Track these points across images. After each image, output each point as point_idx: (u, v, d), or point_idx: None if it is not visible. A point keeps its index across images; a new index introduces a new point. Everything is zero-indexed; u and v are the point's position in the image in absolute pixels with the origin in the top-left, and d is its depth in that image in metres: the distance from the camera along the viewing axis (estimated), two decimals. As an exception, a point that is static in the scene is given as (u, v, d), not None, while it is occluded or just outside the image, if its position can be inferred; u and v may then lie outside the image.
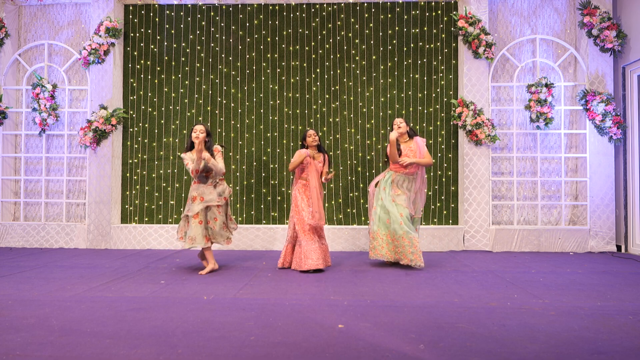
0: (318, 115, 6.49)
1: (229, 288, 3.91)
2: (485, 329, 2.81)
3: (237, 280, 4.23)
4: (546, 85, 6.11)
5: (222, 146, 4.72)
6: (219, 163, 4.51)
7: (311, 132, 4.88)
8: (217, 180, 4.59)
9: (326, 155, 4.97)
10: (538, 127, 6.23)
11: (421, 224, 5.90)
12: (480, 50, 6.13)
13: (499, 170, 6.49)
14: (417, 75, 6.45)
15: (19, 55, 6.71)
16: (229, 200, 4.70)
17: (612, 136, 6.06)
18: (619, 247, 6.12)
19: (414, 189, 4.94)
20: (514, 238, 6.14)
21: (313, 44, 6.54)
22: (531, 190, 6.45)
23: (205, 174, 4.55)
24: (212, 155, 4.54)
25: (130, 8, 6.60)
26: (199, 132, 4.46)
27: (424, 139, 5.03)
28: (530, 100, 6.17)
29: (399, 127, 4.92)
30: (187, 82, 6.56)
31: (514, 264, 5.17)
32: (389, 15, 6.50)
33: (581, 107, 6.23)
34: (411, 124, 6.41)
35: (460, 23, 6.19)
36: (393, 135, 4.77)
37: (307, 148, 4.89)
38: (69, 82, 6.66)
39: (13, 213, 6.78)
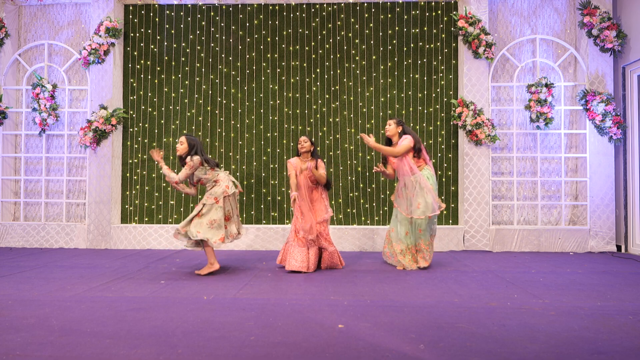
0: (318, 115, 6.49)
1: (229, 288, 3.91)
2: (485, 329, 2.81)
3: (237, 280, 4.23)
4: (546, 85, 6.11)
5: (192, 158, 4.52)
6: (179, 173, 4.57)
7: (301, 138, 4.83)
8: (213, 183, 4.60)
9: (319, 160, 4.84)
10: (538, 127, 6.23)
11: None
12: (480, 50, 6.13)
13: (499, 170, 6.49)
14: (417, 75, 6.45)
15: (19, 55, 6.71)
16: (220, 200, 4.49)
17: (612, 136, 6.06)
18: (619, 247, 6.12)
19: (410, 189, 4.86)
20: (514, 238, 6.14)
21: (313, 44, 6.54)
22: (531, 190, 6.45)
23: (199, 182, 4.67)
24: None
25: (130, 8, 6.60)
26: (178, 144, 4.57)
27: (409, 137, 4.82)
28: (530, 100, 6.17)
29: (387, 131, 4.91)
30: (187, 82, 6.56)
31: (514, 264, 5.17)
32: (389, 15, 6.50)
33: (581, 107, 6.23)
34: (411, 124, 6.41)
35: (460, 23, 6.19)
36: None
37: (299, 155, 4.88)
38: (69, 82, 6.66)
39: (13, 213, 6.78)
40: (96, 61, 6.36)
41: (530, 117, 6.21)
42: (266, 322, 2.93)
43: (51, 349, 2.46)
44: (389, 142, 4.99)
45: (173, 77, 6.57)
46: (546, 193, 6.48)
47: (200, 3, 6.55)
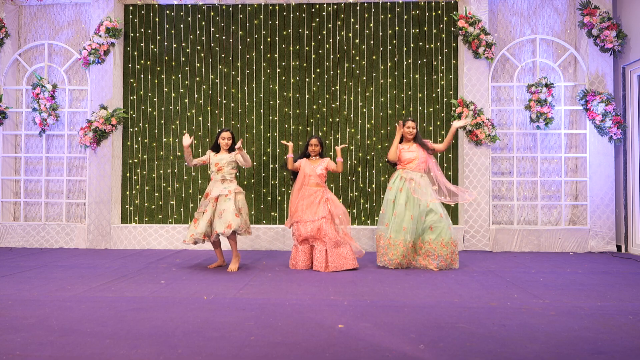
0: (318, 115, 6.49)
1: (229, 288, 3.91)
2: (485, 329, 2.81)
3: (237, 280, 4.23)
4: (546, 85, 6.11)
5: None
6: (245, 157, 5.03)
7: (313, 141, 5.05)
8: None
9: (329, 160, 5.12)
10: (538, 127, 6.23)
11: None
12: (480, 50, 6.13)
13: (499, 170, 6.49)
14: (417, 75, 6.45)
15: (19, 55, 6.70)
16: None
17: (612, 136, 6.06)
18: (619, 247, 6.11)
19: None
20: (514, 238, 6.14)
21: (313, 44, 6.54)
22: (531, 190, 6.45)
23: (219, 169, 4.98)
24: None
25: (130, 8, 6.60)
26: (228, 139, 4.94)
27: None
28: (530, 100, 6.17)
29: (412, 134, 5.00)
30: (187, 82, 6.56)
31: (514, 264, 5.17)
32: (389, 15, 6.50)
33: (581, 107, 6.23)
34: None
35: (460, 23, 6.19)
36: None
37: (308, 157, 5.07)
38: (69, 82, 6.66)
39: (13, 213, 6.78)
40: (96, 61, 6.36)
41: (530, 117, 6.21)
42: (266, 322, 2.93)
43: (51, 349, 2.46)
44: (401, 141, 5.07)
45: (173, 77, 6.57)
46: (546, 193, 6.48)
47: (200, 3, 6.55)
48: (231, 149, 4.97)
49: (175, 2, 6.56)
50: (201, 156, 5.22)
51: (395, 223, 4.79)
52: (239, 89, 6.56)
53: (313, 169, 4.94)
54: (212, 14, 6.59)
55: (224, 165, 4.86)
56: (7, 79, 6.64)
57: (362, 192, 6.41)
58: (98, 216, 6.31)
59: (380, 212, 5.04)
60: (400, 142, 5.05)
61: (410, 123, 5.00)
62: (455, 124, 5.01)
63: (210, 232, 4.68)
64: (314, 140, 5.02)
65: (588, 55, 6.20)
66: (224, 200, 4.68)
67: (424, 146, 5.00)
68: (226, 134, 4.94)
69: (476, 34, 6.11)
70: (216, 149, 5.00)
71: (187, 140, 4.85)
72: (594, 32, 6.10)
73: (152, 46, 6.59)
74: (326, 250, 4.71)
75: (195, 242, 4.68)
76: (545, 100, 6.11)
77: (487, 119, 6.09)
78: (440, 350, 2.45)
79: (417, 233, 4.78)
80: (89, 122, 6.26)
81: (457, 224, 6.33)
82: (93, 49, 6.31)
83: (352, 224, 6.37)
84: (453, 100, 6.28)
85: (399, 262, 4.76)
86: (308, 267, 4.84)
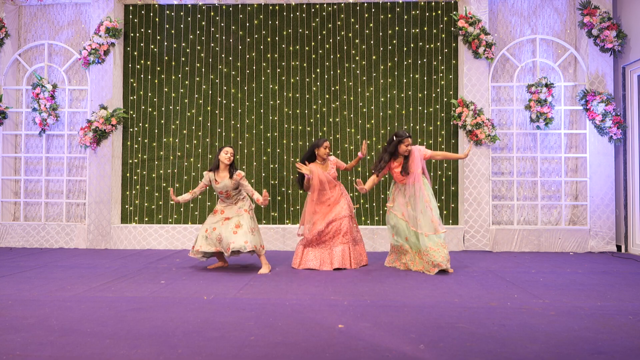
0: (318, 115, 6.49)
1: (229, 288, 3.91)
2: (485, 329, 2.81)
3: (237, 280, 4.23)
4: (546, 85, 6.11)
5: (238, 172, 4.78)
6: (246, 187, 4.78)
7: (326, 143, 4.84)
8: (240, 197, 4.82)
9: (337, 160, 5.09)
10: (538, 127, 6.23)
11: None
12: (480, 50, 6.13)
13: (499, 170, 6.49)
14: (417, 75, 6.45)
15: (19, 55, 6.70)
16: (251, 212, 4.81)
17: (612, 136, 6.06)
18: (619, 247, 6.11)
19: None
20: (514, 238, 6.14)
21: (313, 44, 6.54)
22: (531, 190, 6.45)
23: (227, 194, 4.77)
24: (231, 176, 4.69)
25: (130, 8, 6.60)
26: (230, 155, 4.68)
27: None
28: (530, 100, 6.17)
29: (407, 151, 4.73)
30: (187, 82, 6.56)
31: (514, 264, 5.17)
32: (389, 15, 6.51)
33: (581, 107, 6.23)
34: (411, 124, 6.41)
35: (460, 23, 6.19)
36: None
37: (315, 160, 4.89)
38: (69, 82, 6.66)
39: (13, 213, 6.78)
40: (96, 61, 6.36)
41: (530, 117, 6.21)
42: (266, 322, 2.93)
43: (51, 349, 2.46)
44: (392, 156, 4.84)
45: (173, 77, 6.57)
46: (546, 193, 6.48)
47: (200, 3, 6.55)
48: (230, 167, 4.67)
49: (175, 2, 6.56)
50: (201, 176, 4.93)
51: (396, 227, 4.86)
52: (239, 89, 6.56)
53: (327, 174, 4.86)
54: (212, 14, 6.59)
55: (231, 192, 4.70)
56: (7, 79, 6.64)
57: (362, 192, 6.39)
58: (98, 216, 6.31)
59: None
60: (395, 158, 4.87)
61: (409, 140, 4.72)
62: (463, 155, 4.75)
63: (220, 247, 4.60)
64: (327, 143, 4.83)
65: (588, 55, 6.20)
66: (239, 215, 4.65)
67: (405, 162, 4.72)
68: (229, 149, 4.68)
69: (476, 34, 6.10)
70: (215, 166, 4.70)
71: (174, 197, 4.76)
72: (594, 32, 6.09)
73: (152, 46, 6.59)
74: (349, 247, 4.82)
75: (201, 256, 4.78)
76: (545, 100, 6.11)
77: (487, 119, 6.09)
78: (440, 350, 2.45)
79: (415, 236, 4.74)
80: (89, 122, 6.26)
81: (457, 224, 6.33)
82: (93, 49, 6.31)
83: (352, 224, 6.37)
84: (453, 100, 6.28)
85: (407, 266, 4.79)
86: (319, 266, 4.77)
